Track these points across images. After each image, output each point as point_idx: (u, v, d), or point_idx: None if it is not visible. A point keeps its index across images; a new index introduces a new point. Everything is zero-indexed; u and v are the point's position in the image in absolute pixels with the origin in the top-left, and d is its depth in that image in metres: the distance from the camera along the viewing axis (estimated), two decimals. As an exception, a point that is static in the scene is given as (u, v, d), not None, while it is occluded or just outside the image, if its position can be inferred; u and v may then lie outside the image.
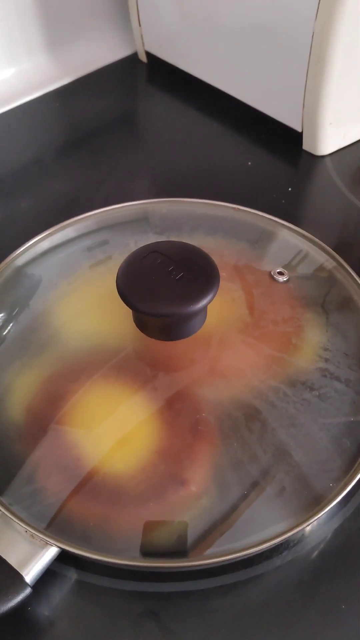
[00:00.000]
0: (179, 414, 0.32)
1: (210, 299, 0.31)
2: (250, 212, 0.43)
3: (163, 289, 0.31)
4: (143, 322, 0.34)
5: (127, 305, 0.32)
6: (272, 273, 0.38)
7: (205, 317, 0.34)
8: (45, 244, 0.42)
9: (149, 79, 0.65)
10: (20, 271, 0.40)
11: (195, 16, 0.56)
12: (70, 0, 0.62)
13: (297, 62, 0.49)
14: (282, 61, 0.51)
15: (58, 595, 0.31)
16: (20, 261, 0.41)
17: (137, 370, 0.34)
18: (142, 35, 0.63)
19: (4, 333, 0.37)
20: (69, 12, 0.62)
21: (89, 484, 0.31)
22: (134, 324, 0.35)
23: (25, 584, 0.28)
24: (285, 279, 0.38)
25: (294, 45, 0.49)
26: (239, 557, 0.30)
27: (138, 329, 0.34)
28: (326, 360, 0.35)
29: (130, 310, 0.34)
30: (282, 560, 0.32)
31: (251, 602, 0.31)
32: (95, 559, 0.29)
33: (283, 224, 0.42)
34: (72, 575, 0.31)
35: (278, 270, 0.38)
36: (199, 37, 0.57)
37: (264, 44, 0.52)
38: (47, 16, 0.61)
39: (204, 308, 0.32)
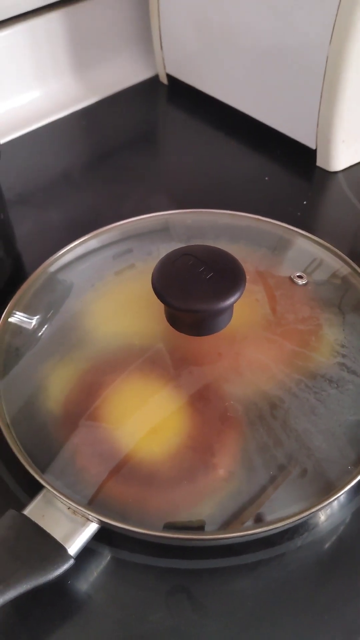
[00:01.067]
0: (209, 403, 0.34)
1: (238, 296, 0.33)
2: (269, 222, 0.45)
3: (195, 288, 0.33)
4: (175, 318, 0.36)
5: (162, 302, 0.34)
6: (292, 277, 0.40)
7: (232, 315, 0.36)
8: (76, 252, 0.44)
9: (169, 100, 0.66)
10: (53, 277, 0.42)
11: (214, 41, 0.58)
12: (95, 25, 0.64)
13: (312, 84, 0.51)
14: (297, 83, 0.53)
15: (95, 571, 0.33)
16: (52, 268, 0.43)
17: (169, 364, 0.36)
18: (163, 59, 0.64)
19: (40, 334, 0.39)
20: (94, 37, 0.65)
21: (126, 467, 0.33)
22: (161, 322, 0.36)
23: (68, 556, 0.30)
24: (304, 282, 0.40)
25: (309, 68, 0.51)
26: (264, 531, 0.31)
27: (167, 327, 0.36)
28: (343, 355, 0.36)
29: (157, 310, 0.36)
30: (303, 541, 0.33)
31: (274, 579, 0.32)
32: (131, 531, 0.31)
33: (301, 233, 0.44)
34: (108, 553, 0.33)
35: (297, 274, 0.40)
36: (218, 60, 0.59)
37: (280, 67, 0.53)
38: (73, 40, 0.63)
39: (232, 305, 0.33)
